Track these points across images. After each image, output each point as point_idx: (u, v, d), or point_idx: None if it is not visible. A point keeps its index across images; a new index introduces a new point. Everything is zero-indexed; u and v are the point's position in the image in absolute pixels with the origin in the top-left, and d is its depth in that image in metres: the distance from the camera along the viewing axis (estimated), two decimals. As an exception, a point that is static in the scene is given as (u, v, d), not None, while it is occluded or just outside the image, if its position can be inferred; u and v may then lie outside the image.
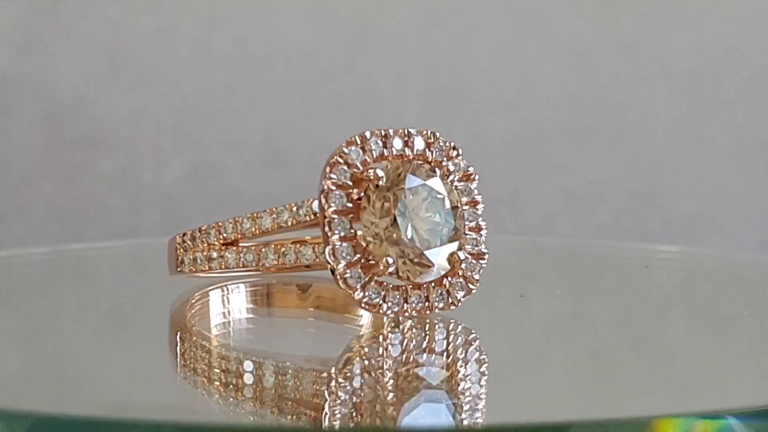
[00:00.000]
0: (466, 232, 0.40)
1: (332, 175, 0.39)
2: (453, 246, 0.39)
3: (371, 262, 0.39)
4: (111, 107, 0.71)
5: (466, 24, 0.72)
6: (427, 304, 0.39)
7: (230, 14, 0.71)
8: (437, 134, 0.40)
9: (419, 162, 0.40)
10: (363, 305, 0.39)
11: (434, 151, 0.40)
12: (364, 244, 0.39)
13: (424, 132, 0.40)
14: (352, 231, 0.39)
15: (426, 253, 0.39)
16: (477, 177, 0.41)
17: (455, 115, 0.72)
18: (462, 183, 0.40)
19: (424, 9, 0.71)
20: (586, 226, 0.72)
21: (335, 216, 0.39)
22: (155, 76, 0.71)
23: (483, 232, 0.40)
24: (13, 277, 0.53)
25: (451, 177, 0.40)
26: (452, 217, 0.39)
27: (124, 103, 0.71)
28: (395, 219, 0.38)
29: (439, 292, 0.39)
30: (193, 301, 0.43)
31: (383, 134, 0.39)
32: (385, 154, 0.39)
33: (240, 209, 0.43)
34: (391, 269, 0.38)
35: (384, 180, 0.39)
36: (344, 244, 0.39)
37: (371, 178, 0.39)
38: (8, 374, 0.37)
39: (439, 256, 0.39)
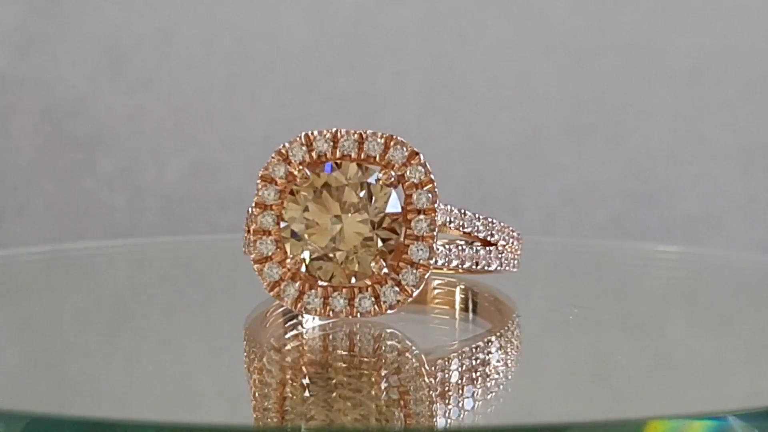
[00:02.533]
0: (411, 241, 0.39)
1: (266, 171, 0.39)
2: (366, 255, 0.39)
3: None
4: (111, 107, 0.71)
5: (466, 24, 0.72)
6: (348, 307, 0.39)
7: (230, 14, 0.71)
8: (398, 138, 0.39)
9: (365, 164, 0.39)
10: (275, 298, 0.39)
11: (390, 155, 0.39)
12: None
13: (381, 135, 0.40)
14: (277, 225, 0.39)
15: (337, 255, 0.39)
16: (435, 185, 0.39)
17: (455, 115, 0.72)
18: (420, 191, 0.39)
19: (424, 9, 0.71)
20: (586, 226, 0.72)
21: (257, 209, 0.39)
22: (155, 76, 0.71)
23: (436, 242, 0.39)
24: (13, 277, 0.53)
25: (406, 183, 0.39)
26: (385, 223, 0.39)
27: (124, 103, 0.71)
28: (308, 217, 0.39)
29: (367, 296, 0.39)
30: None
31: (333, 134, 0.39)
32: (329, 155, 0.39)
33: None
34: (301, 267, 0.39)
35: (309, 180, 0.39)
36: (264, 237, 0.39)
37: (298, 176, 0.39)
38: (7, 374, 0.37)
39: (352, 260, 0.39)
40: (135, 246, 0.63)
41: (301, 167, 0.39)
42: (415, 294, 0.39)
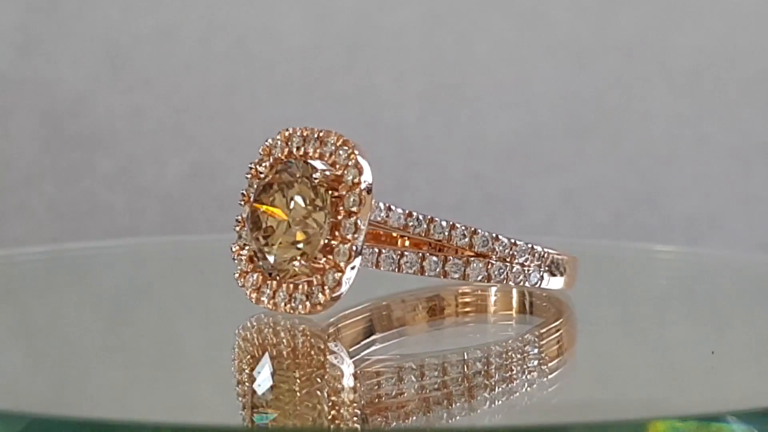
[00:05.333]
0: (337, 243, 0.39)
1: (252, 165, 0.40)
2: (291, 252, 0.39)
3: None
4: (111, 107, 0.71)
5: (466, 24, 0.72)
6: (291, 304, 0.39)
7: (230, 14, 0.71)
8: (344, 139, 0.40)
9: (301, 161, 0.40)
10: (242, 287, 0.40)
11: (336, 155, 0.39)
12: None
13: (334, 134, 0.40)
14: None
15: (264, 249, 0.40)
16: (365, 189, 0.39)
17: (455, 115, 0.72)
18: (349, 193, 0.39)
19: (424, 9, 0.71)
20: (586, 226, 0.72)
21: (243, 201, 0.40)
22: (155, 76, 0.71)
23: (356, 245, 0.39)
24: (13, 277, 0.53)
25: (341, 184, 0.39)
26: (305, 223, 0.39)
27: (124, 103, 0.71)
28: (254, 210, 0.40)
29: (299, 294, 0.39)
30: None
31: (302, 132, 0.40)
32: (294, 152, 0.40)
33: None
34: (244, 256, 0.40)
35: (269, 177, 0.40)
36: (244, 228, 0.40)
37: (263, 173, 0.40)
38: (7, 374, 0.37)
39: (272, 257, 0.39)
40: (135, 246, 0.63)
41: (265, 165, 0.40)
42: (333, 296, 0.39)
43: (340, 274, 0.38)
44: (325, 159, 0.39)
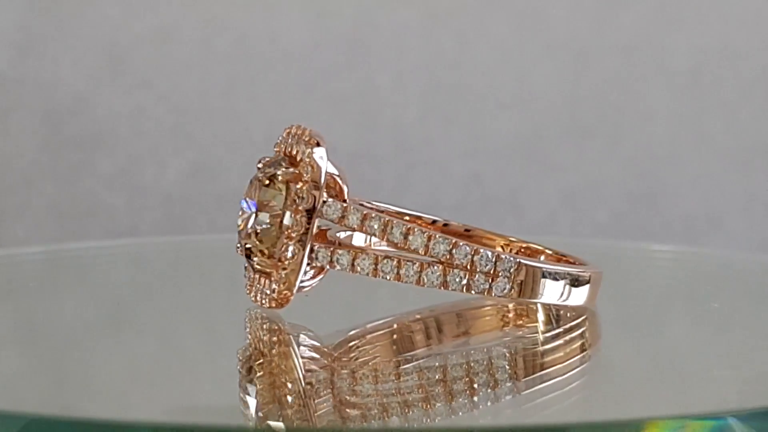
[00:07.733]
0: (283, 239, 0.39)
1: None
2: (257, 247, 0.40)
3: None
4: (111, 107, 0.71)
5: (466, 24, 0.72)
6: (260, 298, 0.40)
7: (230, 14, 0.71)
8: (311, 136, 0.40)
9: (284, 157, 0.40)
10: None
11: (301, 151, 0.40)
12: None
13: (308, 131, 0.40)
14: None
15: (240, 242, 0.40)
16: (315, 186, 0.39)
17: (455, 115, 0.72)
18: (302, 189, 0.40)
19: (424, 9, 0.71)
20: (586, 226, 0.72)
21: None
22: (155, 76, 0.71)
23: (300, 243, 0.39)
24: (13, 277, 0.53)
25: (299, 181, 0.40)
26: (262, 218, 0.40)
27: (124, 103, 0.71)
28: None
29: (265, 288, 0.40)
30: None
31: (293, 131, 0.41)
32: (284, 150, 0.41)
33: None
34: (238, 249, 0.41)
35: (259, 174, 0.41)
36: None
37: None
38: (7, 374, 0.37)
39: (241, 251, 0.40)
40: (135, 246, 0.63)
41: (262, 161, 0.41)
42: (281, 293, 0.39)
43: (284, 271, 0.39)
44: (297, 155, 0.40)
